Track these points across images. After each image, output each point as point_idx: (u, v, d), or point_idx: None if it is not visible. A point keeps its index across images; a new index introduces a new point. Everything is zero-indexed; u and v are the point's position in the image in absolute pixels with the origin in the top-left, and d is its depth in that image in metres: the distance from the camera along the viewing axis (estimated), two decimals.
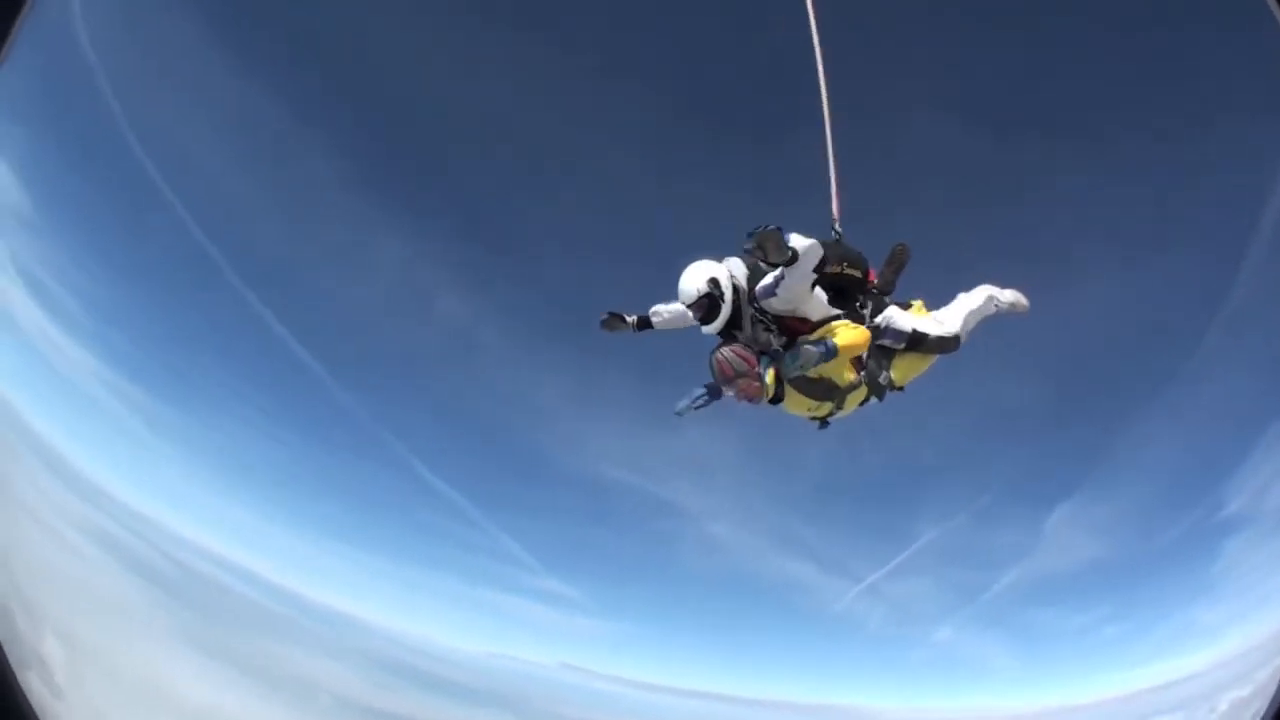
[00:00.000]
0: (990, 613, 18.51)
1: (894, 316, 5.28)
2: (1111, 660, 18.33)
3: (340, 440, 16.90)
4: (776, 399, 4.91)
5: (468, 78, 16.42)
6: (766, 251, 4.39)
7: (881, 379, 5.25)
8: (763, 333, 4.94)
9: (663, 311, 5.46)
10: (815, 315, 5.02)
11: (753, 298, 4.96)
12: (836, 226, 5.49)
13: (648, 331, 5.53)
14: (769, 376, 4.82)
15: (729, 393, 4.74)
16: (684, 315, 5.18)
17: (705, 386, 4.92)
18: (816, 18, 5.83)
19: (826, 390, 5.05)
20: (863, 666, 18.18)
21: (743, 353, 4.71)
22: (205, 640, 12.02)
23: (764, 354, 4.87)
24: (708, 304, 4.86)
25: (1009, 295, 5.85)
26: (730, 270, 5.02)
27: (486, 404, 18.80)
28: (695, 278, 4.92)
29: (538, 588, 17.21)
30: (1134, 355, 18.10)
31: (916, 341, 5.25)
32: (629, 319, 5.48)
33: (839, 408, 5.19)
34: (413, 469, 16.78)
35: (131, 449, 12.79)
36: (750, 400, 4.77)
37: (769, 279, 4.82)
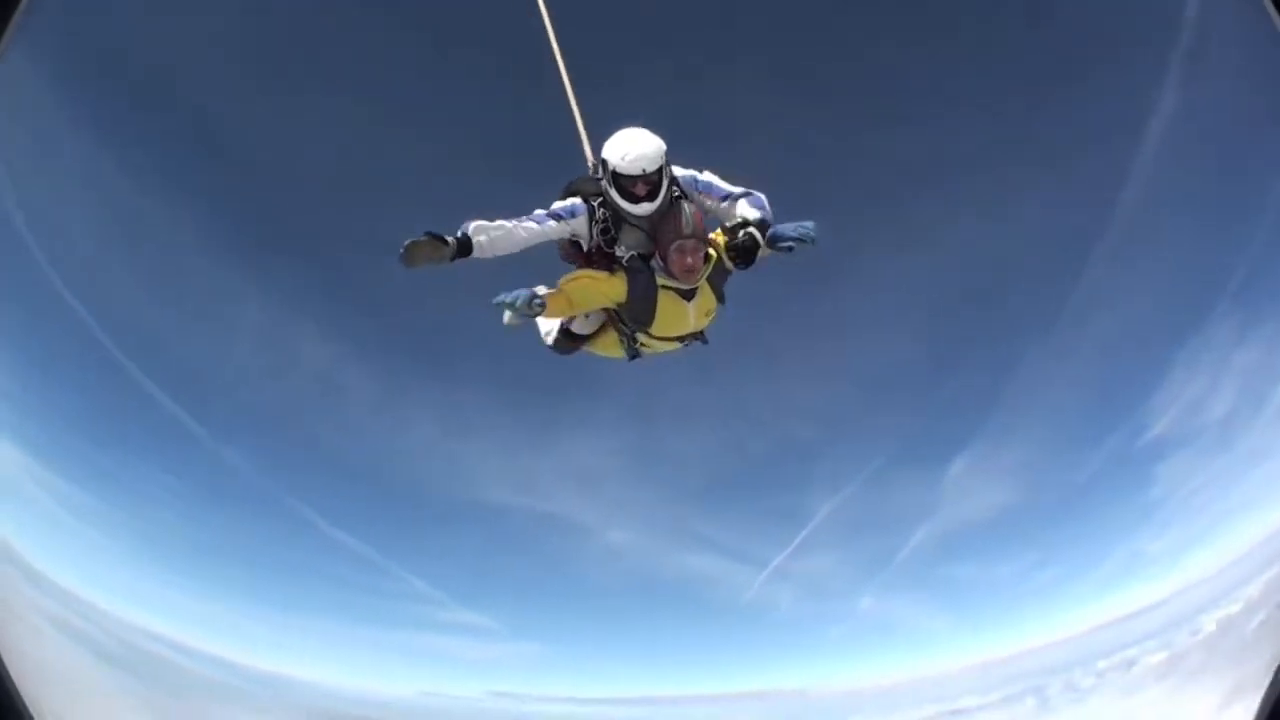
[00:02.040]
0: (908, 575, 18.83)
1: None
2: (1056, 602, 18.12)
3: (235, 502, 17.90)
4: (687, 294, 4.57)
5: (309, 121, 17.50)
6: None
7: None
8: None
9: (512, 229, 4.39)
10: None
11: (675, 180, 4.59)
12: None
13: (464, 260, 4.27)
14: (714, 252, 4.52)
15: (675, 251, 4.33)
16: (551, 228, 4.51)
17: (536, 296, 4.29)
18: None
19: (721, 292, 4.74)
20: (788, 648, 18.62)
21: (702, 219, 4.45)
22: (142, 700, 13.81)
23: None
24: (658, 178, 4.39)
25: None
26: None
27: (364, 446, 19.64)
28: (655, 146, 4.40)
29: (451, 621, 18.33)
30: (1014, 293, 18.54)
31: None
32: (448, 240, 4.15)
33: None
34: (309, 520, 17.87)
35: (44, 525, 14.27)
36: (683, 271, 4.40)
37: (695, 173, 4.67)
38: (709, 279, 4.58)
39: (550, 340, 5.10)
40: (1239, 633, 14.81)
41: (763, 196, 4.59)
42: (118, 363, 16.14)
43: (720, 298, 4.71)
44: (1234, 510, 15.88)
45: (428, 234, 4.07)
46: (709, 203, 4.60)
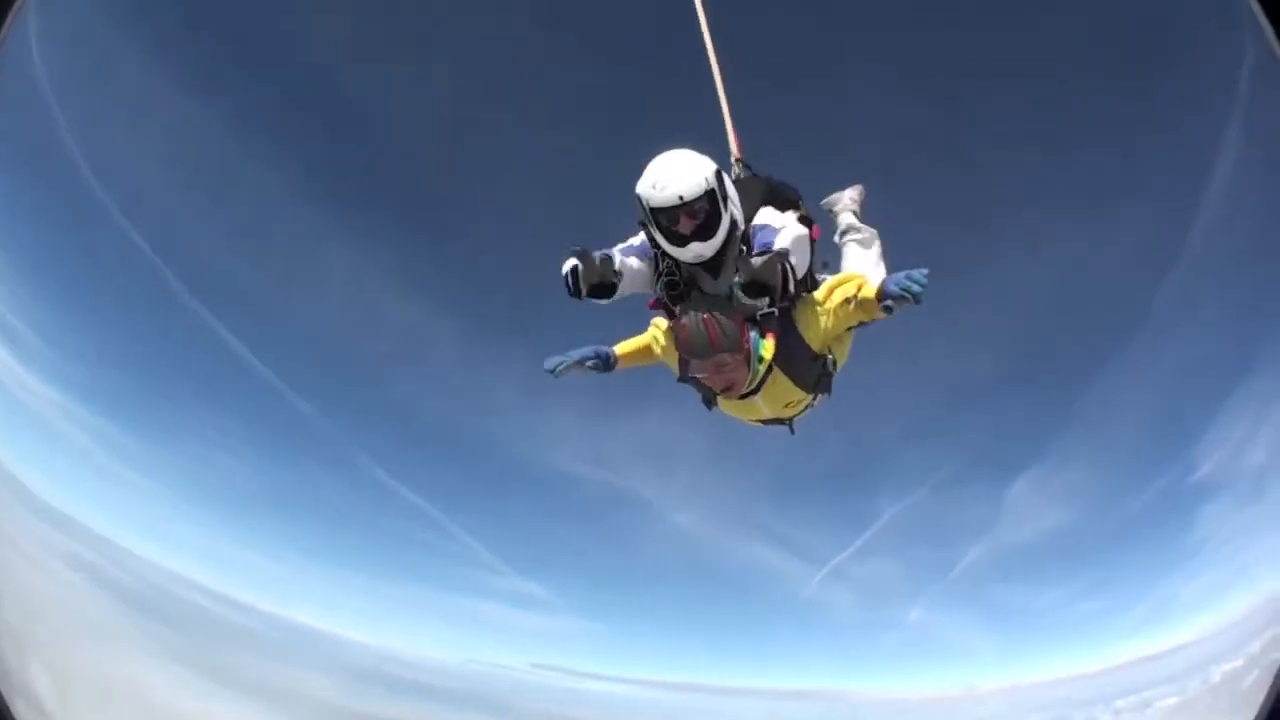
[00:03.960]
0: (959, 591, 19.11)
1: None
2: (1092, 634, 18.60)
3: (301, 452, 17.81)
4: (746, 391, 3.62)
5: (409, 78, 17.06)
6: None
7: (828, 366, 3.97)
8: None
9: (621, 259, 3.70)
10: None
11: (748, 235, 3.62)
12: (739, 162, 4.38)
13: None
14: (765, 350, 3.49)
15: (700, 371, 3.45)
16: (641, 268, 3.73)
17: (595, 353, 4.02)
18: None
19: (818, 374, 3.80)
20: (838, 650, 18.87)
21: (733, 320, 3.36)
22: (183, 654, 13.14)
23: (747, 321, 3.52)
24: (709, 207, 3.39)
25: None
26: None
27: (442, 405, 19.34)
28: (696, 166, 3.45)
29: (506, 589, 18.15)
30: (1089, 318, 18.52)
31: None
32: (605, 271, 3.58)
33: (811, 402, 4.03)
34: (375, 476, 17.54)
35: (95, 477, 13.85)
36: (722, 390, 3.53)
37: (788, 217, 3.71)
38: (784, 372, 3.61)
39: None
40: (1237, 687, 15.42)
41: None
42: (189, 307, 15.74)
43: (810, 385, 3.78)
44: (1259, 562, 16.12)
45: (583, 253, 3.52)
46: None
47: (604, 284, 3.46)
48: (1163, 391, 18.01)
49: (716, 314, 3.32)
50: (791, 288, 3.41)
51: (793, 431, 4.23)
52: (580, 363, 3.98)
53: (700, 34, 5.08)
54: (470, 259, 18.29)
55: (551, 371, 3.92)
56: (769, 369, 3.56)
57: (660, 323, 3.97)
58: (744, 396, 3.66)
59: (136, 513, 14.26)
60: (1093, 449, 19.17)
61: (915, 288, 3.06)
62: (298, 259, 17.73)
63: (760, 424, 4.09)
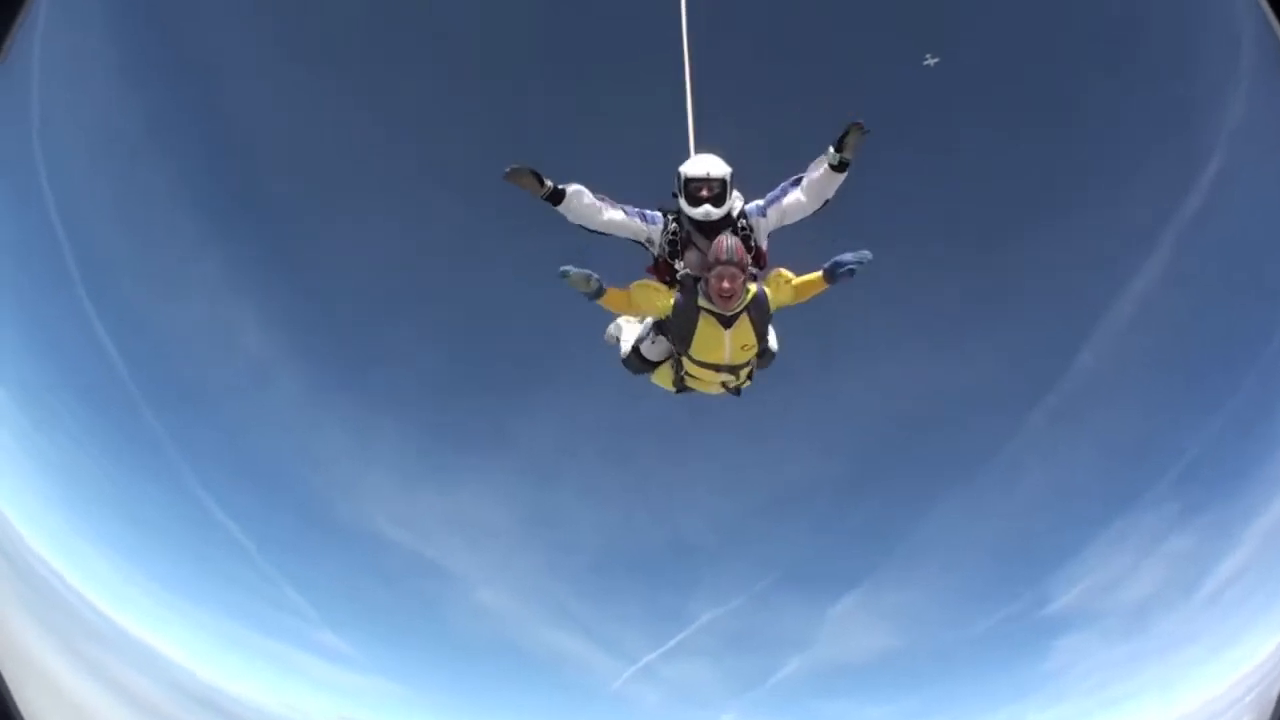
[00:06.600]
0: (775, 701, 18.50)
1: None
2: None
3: (147, 469, 17.30)
4: (724, 321, 5.01)
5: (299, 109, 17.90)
6: (848, 148, 4.80)
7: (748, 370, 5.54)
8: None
9: (602, 208, 5.20)
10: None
11: (743, 213, 5.22)
12: None
13: (551, 206, 5.08)
14: (750, 288, 4.99)
15: (715, 276, 4.83)
16: (633, 223, 5.21)
17: (596, 276, 5.05)
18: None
19: (765, 331, 5.28)
20: None
21: (743, 248, 4.89)
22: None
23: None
24: (720, 189, 5.04)
25: None
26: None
27: (277, 445, 19.21)
28: (722, 164, 5.13)
29: (314, 639, 17.96)
30: (946, 436, 18.91)
31: (762, 353, 5.49)
32: (547, 182, 4.99)
33: (749, 373, 5.52)
34: (202, 502, 17.54)
35: None
36: (718, 294, 4.86)
37: (760, 200, 5.24)
38: (750, 317, 5.08)
39: (624, 355, 5.85)
40: None
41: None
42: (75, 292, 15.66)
43: (761, 338, 5.23)
44: (1136, 694, 15.85)
45: (532, 171, 4.93)
46: (777, 211, 5.22)
47: (541, 183, 4.90)
48: (1021, 519, 18.03)
49: (732, 239, 4.88)
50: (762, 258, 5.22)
51: (738, 394, 5.67)
52: (586, 278, 5.03)
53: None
54: (328, 302, 18.95)
55: (564, 274, 5.01)
56: (742, 311, 5.00)
57: (647, 284, 5.25)
58: (725, 324, 5.01)
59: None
60: (933, 570, 18.98)
61: (868, 256, 4.95)
62: (174, 261, 17.79)
63: (719, 376, 5.42)
